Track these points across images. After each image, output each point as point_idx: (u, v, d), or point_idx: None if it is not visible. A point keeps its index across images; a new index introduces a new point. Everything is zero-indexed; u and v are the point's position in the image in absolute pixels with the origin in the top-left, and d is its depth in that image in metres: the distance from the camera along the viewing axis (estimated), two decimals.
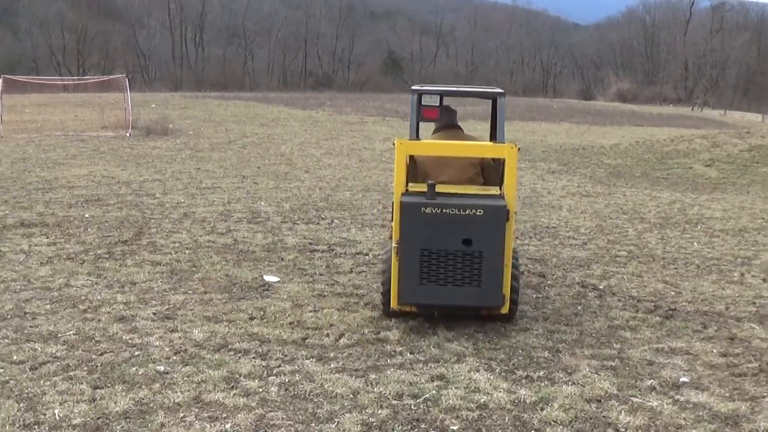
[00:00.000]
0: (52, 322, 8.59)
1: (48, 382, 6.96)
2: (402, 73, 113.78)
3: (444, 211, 8.09)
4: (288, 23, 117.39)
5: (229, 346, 7.94)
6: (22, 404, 6.51)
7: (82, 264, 11.13)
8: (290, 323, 8.74)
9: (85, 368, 7.30)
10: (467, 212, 8.07)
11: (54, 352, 7.71)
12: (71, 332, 8.28)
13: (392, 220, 8.49)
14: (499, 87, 10.18)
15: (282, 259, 11.71)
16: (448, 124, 9.83)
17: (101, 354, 7.67)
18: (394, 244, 8.32)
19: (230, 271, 10.88)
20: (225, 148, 27.62)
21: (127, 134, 32.35)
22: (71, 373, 7.17)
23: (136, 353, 7.69)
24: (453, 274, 8.21)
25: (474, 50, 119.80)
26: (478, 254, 8.13)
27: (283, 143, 30.06)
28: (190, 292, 9.85)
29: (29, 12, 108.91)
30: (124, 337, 8.17)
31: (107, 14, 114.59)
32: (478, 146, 8.89)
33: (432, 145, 8.76)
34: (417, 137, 9.16)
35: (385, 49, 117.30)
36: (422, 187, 8.45)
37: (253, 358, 7.64)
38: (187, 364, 7.42)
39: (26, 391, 6.78)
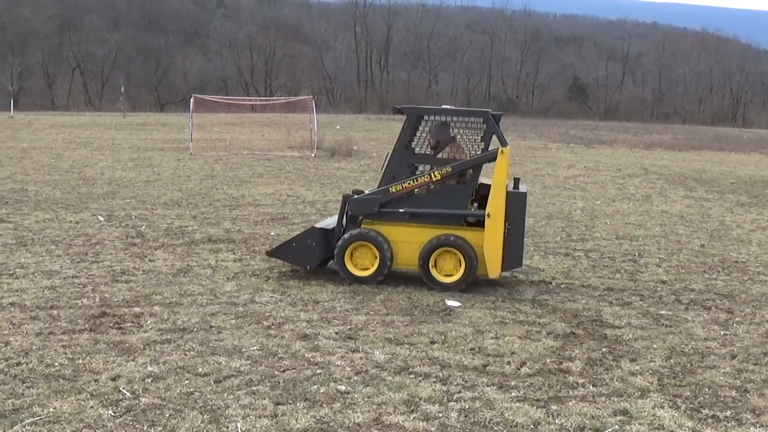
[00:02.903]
0: (237, 337, 8.75)
1: (231, 396, 7.08)
2: (587, 99, 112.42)
3: None
4: (473, 47, 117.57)
5: (410, 369, 7.92)
6: (206, 416, 6.64)
7: (267, 281, 11.34)
8: (471, 349, 8.66)
9: (268, 384, 7.39)
10: None
11: (238, 366, 7.85)
12: (255, 348, 8.42)
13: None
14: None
15: None
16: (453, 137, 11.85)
17: (284, 371, 7.76)
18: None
19: (412, 294, 10.88)
20: None
21: (312, 155, 32.94)
22: (254, 388, 7.28)
23: (318, 371, 7.75)
24: None
25: (661, 77, 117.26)
26: None
27: None
28: (372, 313, 9.89)
29: (219, 34, 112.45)
30: (306, 354, 8.25)
31: (295, 37, 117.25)
32: None
33: None
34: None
35: (570, 75, 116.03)
36: None
37: (434, 382, 7.60)
38: (367, 385, 7.43)
39: (210, 403, 6.91)
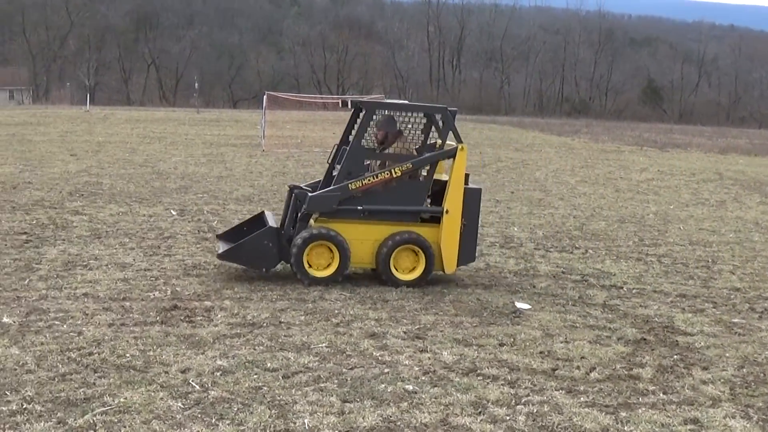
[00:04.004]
0: (306, 333, 8.78)
1: (299, 392, 7.10)
2: (661, 102, 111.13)
3: None
4: (546, 48, 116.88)
5: (478, 371, 7.88)
6: (273, 411, 6.66)
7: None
8: (540, 352, 8.59)
9: (336, 381, 7.40)
10: None
11: (306, 362, 7.87)
12: (323, 344, 8.44)
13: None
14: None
15: (534, 287, 11.57)
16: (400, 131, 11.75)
17: (352, 368, 7.76)
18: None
19: (481, 295, 10.84)
20: (479, 172, 27.67)
21: None
22: (322, 385, 7.29)
23: (386, 370, 7.74)
24: None
25: (737, 80, 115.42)
26: None
27: (538, 169, 29.87)
28: (441, 313, 9.86)
29: (293, 32, 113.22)
30: (374, 353, 8.25)
31: (368, 36, 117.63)
32: None
33: None
34: None
35: (645, 77, 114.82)
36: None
37: (502, 384, 7.55)
38: (435, 386, 7.41)
39: (278, 398, 6.94)
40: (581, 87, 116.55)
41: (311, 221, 11.20)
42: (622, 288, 11.83)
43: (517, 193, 22.34)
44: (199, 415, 6.53)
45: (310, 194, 11.10)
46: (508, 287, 11.43)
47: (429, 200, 11.51)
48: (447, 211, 11.02)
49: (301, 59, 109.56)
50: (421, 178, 11.35)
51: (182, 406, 6.69)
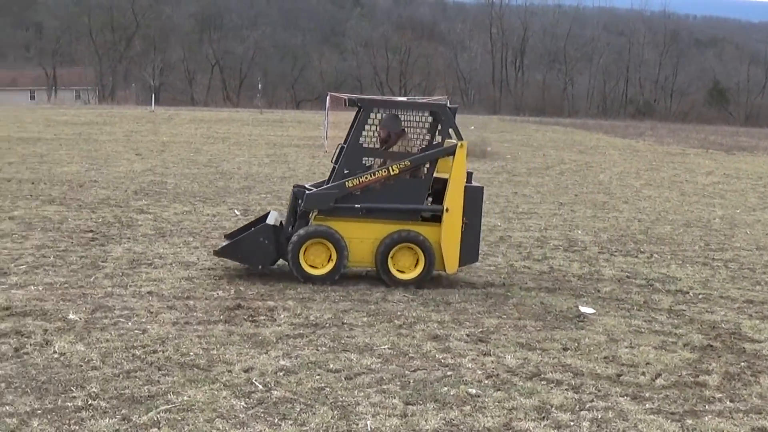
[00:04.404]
0: (368, 335, 8.78)
1: (362, 393, 7.10)
2: (727, 104, 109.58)
3: None
4: (610, 49, 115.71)
5: (542, 375, 7.82)
6: (336, 412, 6.67)
7: None
8: (605, 357, 8.51)
9: (398, 383, 7.39)
10: None
11: (369, 364, 7.87)
12: (386, 346, 8.43)
13: None
14: None
15: (598, 291, 11.46)
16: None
17: (414, 371, 7.75)
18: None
19: (545, 299, 10.76)
20: (542, 174, 27.53)
21: None
22: (384, 387, 7.29)
23: (449, 373, 7.72)
24: None
25: None
26: None
27: (602, 172, 29.59)
28: (504, 316, 9.80)
29: (355, 33, 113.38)
30: (437, 355, 8.22)
31: (430, 37, 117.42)
32: None
33: None
34: None
35: (710, 79, 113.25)
36: None
37: (566, 389, 7.49)
38: (498, 389, 7.37)
39: (341, 399, 6.95)
40: (645, 89, 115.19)
41: (311, 219, 11.17)
42: (688, 293, 11.67)
43: (581, 196, 22.15)
44: (262, 415, 6.55)
45: (306, 192, 11.08)
46: (572, 291, 11.34)
47: (431, 199, 11.41)
48: (447, 210, 10.92)
49: (364, 60, 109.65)
50: (422, 177, 11.25)
51: (245, 406, 6.72)
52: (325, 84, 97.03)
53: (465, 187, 11.03)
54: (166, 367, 7.54)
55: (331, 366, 7.75)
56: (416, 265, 11.04)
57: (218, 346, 8.18)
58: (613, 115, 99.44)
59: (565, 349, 8.69)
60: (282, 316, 9.32)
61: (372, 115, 11.32)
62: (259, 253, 11.07)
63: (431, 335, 8.88)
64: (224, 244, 11.57)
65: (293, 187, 11.76)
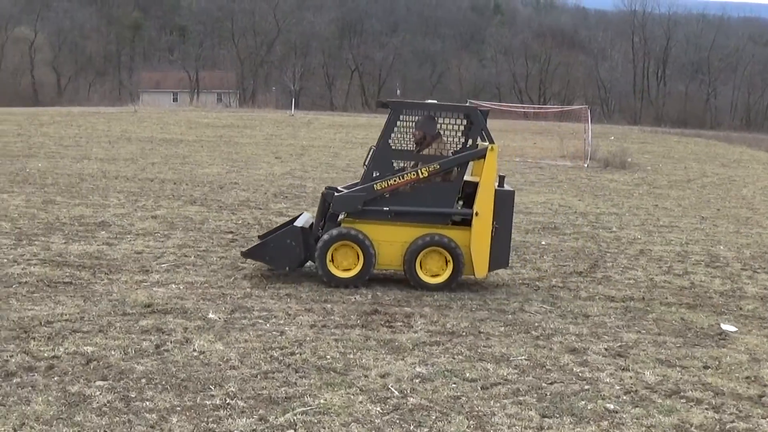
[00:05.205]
0: (505, 345, 8.72)
1: (498, 404, 7.05)
2: None
3: None
4: (755, 60, 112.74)
5: (681, 393, 7.63)
6: (471, 422, 6.63)
7: (537, 291, 11.27)
8: (746, 377, 8.25)
9: (535, 395, 7.31)
10: None
11: (505, 374, 7.81)
12: (523, 357, 8.36)
13: None
14: None
15: (740, 308, 11.12)
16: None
17: (551, 383, 7.65)
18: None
19: (685, 315, 10.50)
20: (683, 187, 26.94)
21: (585, 165, 32.50)
22: (521, 398, 7.22)
23: (586, 387, 7.60)
24: None
25: None
26: None
27: (745, 186, 28.78)
28: (644, 331, 9.61)
29: (495, 40, 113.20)
30: (574, 369, 8.11)
31: (571, 45, 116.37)
32: None
33: None
34: None
35: None
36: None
37: (706, 409, 7.29)
38: (637, 406, 7.22)
39: (476, 409, 6.91)
40: None
41: (340, 222, 11.10)
42: None
43: (723, 211, 21.57)
44: (398, 421, 6.56)
45: (335, 194, 11.02)
46: (713, 308, 11.03)
47: (461, 203, 11.24)
48: (477, 214, 10.74)
49: (503, 68, 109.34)
50: (452, 180, 11.08)
51: (381, 411, 6.74)
52: (463, 91, 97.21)
53: (496, 191, 10.87)
54: (303, 369, 7.62)
55: (468, 375, 7.72)
56: (445, 269, 10.92)
57: (355, 350, 8.24)
58: (757, 127, 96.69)
59: (706, 368, 8.46)
60: (419, 322, 9.33)
61: (402, 117, 11.27)
62: (286, 255, 11.07)
63: (569, 348, 8.77)
64: (253, 245, 11.66)
65: (325, 188, 11.74)
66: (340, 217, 11.03)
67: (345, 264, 10.87)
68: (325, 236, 10.81)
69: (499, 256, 11.06)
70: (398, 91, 79.22)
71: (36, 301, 9.52)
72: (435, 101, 12.01)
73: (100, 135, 35.74)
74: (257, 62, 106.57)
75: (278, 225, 12.61)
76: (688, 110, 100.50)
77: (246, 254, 11.36)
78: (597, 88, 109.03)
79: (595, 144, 35.98)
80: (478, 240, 10.83)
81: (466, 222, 10.96)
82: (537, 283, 11.75)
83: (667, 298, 11.37)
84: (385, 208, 10.88)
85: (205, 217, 15.52)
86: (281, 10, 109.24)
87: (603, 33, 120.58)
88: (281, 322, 9.09)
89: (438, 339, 8.76)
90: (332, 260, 10.84)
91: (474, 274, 11.01)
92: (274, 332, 8.69)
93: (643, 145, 47.81)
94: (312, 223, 11.51)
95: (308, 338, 8.54)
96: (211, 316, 9.15)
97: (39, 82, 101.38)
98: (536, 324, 9.58)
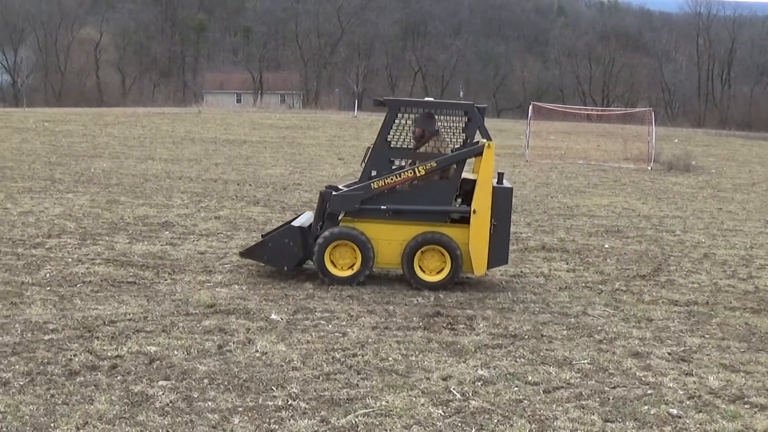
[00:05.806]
0: (568, 348, 8.70)
1: (560, 408, 7.04)
2: None
3: None
4: None
5: (746, 399, 7.56)
6: (534, 425, 6.64)
7: (599, 294, 11.21)
8: None
9: (597, 399, 7.29)
10: None
11: (568, 378, 7.79)
12: (585, 361, 8.33)
13: None
14: None
15: None
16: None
17: (614, 387, 7.63)
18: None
19: (750, 320, 10.38)
20: (748, 190, 26.58)
21: (649, 168, 32.22)
22: (583, 402, 7.20)
23: (649, 392, 7.56)
24: None
25: None
26: None
27: None
28: (707, 336, 9.52)
29: (559, 42, 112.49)
30: (637, 373, 8.07)
31: (635, 47, 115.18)
32: None
33: None
34: None
35: None
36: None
37: None
38: (700, 411, 7.17)
39: (539, 413, 6.91)
40: None
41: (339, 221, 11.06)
42: None
43: None
44: (459, 424, 6.58)
45: (333, 193, 11.00)
46: None
47: (460, 200, 11.15)
48: (474, 211, 10.67)
49: (567, 70, 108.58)
50: (449, 178, 11.01)
51: (443, 414, 6.76)
52: (527, 93, 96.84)
53: (493, 188, 10.81)
54: (365, 371, 7.67)
55: (530, 378, 7.72)
56: (444, 267, 10.87)
57: (417, 352, 8.27)
58: None
59: None
60: (481, 325, 9.34)
61: (399, 116, 11.19)
62: (285, 255, 11.10)
63: (632, 352, 8.72)
64: (251, 245, 11.69)
65: (325, 187, 11.73)
66: (340, 216, 11.07)
67: (343, 263, 10.92)
68: (325, 234, 10.87)
69: (498, 253, 11.03)
70: (461, 93, 79.05)
71: (100, 300, 9.69)
72: (432, 99, 11.98)
73: (164, 135, 36.20)
74: (321, 63, 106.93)
75: (280, 224, 12.67)
76: (753, 113, 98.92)
77: (244, 254, 11.47)
78: (661, 90, 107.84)
79: (658, 146, 35.64)
80: (477, 237, 10.81)
81: (464, 220, 10.94)
82: (600, 286, 11.68)
83: (731, 302, 11.25)
84: (383, 207, 10.89)
85: (268, 218, 15.65)
86: (345, 12, 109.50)
87: (667, 35, 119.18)
88: (343, 323, 9.15)
89: (500, 342, 8.76)
90: (331, 259, 10.88)
91: (472, 272, 10.99)
92: (336, 333, 8.76)
93: (707, 147, 47.27)
94: (311, 223, 11.54)
95: (370, 340, 8.59)
96: (273, 316, 9.24)
97: (104, 83, 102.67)
98: (599, 328, 9.54)
